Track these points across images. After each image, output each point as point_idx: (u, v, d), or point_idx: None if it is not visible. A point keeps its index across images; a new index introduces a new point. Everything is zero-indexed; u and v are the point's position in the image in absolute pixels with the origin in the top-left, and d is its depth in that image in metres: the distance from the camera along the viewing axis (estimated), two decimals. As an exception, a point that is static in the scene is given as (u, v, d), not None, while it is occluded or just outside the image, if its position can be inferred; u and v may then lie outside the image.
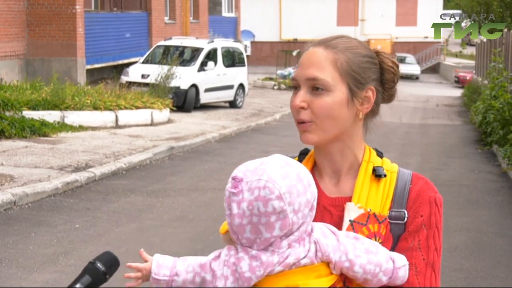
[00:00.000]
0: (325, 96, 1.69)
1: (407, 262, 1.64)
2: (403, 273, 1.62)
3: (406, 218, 1.70)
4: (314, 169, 1.79)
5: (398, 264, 1.61)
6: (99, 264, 1.63)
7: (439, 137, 16.70)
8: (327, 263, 1.58)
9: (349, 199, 1.71)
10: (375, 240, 1.67)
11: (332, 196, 1.74)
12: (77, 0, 18.88)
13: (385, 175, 1.73)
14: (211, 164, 11.52)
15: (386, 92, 1.79)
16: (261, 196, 1.50)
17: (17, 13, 18.53)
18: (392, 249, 1.68)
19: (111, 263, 1.66)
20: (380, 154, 1.80)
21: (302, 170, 1.57)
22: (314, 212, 1.57)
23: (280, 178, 1.51)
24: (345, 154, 1.76)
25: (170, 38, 21.42)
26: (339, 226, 1.66)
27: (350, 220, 1.68)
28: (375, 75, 1.75)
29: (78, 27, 19.02)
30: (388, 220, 1.69)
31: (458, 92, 32.14)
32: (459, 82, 38.54)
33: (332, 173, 1.77)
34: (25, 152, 10.83)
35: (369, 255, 1.58)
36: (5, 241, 6.81)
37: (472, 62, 40.55)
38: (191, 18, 28.52)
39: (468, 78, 35.46)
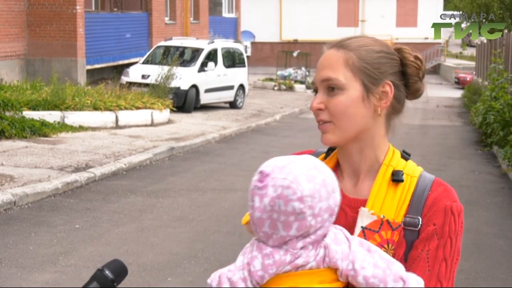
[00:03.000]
0: (339, 95, 1.70)
1: (422, 287, 1.60)
2: None
3: (420, 225, 1.68)
4: (337, 168, 1.80)
5: (409, 286, 1.57)
6: (107, 272, 1.63)
7: (439, 138, 16.70)
8: (334, 270, 1.57)
9: (365, 201, 1.70)
10: (388, 246, 1.65)
11: (349, 196, 1.74)
12: (77, 0, 18.88)
13: (402, 180, 1.71)
14: (211, 165, 11.52)
15: (411, 87, 1.77)
16: (284, 195, 1.51)
17: (17, 13, 18.53)
18: (405, 255, 1.67)
19: (120, 271, 1.65)
20: (406, 156, 1.78)
21: (329, 176, 1.57)
22: (334, 218, 1.58)
23: (305, 181, 1.52)
24: (365, 154, 1.75)
25: (171, 39, 21.42)
26: (352, 228, 1.67)
27: (362, 227, 1.67)
28: (392, 69, 1.74)
29: (78, 27, 19.02)
30: (403, 226, 1.68)
31: (458, 93, 32.13)
32: (459, 83, 38.53)
33: (352, 173, 1.77)
34: (25, 152, 10.83)
35: (376, 270, 1.56)
36: (5, 241, 6.81)
37: (472, 63, 40.57)
38: (191, 18, 28.52)
39: (468, 79, 35.47)
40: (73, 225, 7.48)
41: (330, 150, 1.83)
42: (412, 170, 1.75)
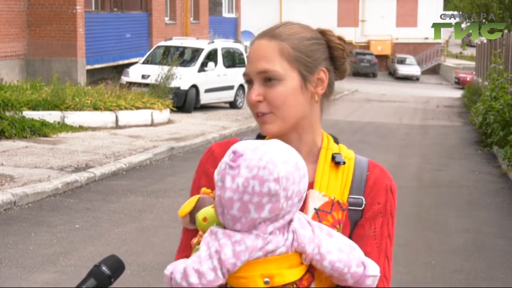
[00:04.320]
0: (278, 85, 1.71)
1: (379, 274, 1.63)
2: (370, 283, 1.61)
3: (364, 205, 1.73)
4: None
5: (369, 272, 1.61)
6: (104, 268, 1.62)
7: (439, 138, 16.71)
8: (299, 253, 1.58)
9: (311, 184, 1.71)
10: (339, 227, 1.68)
11: None
12: (77, 0, 18.89)
13: (344, 162, 1.75)
14: (211, 165, 11.51)
15: (338, 69, 1.80)
16: (259, 175, 1.50)
17: (17, 13, 18.54)
18: (350, 235, 1.70)
19: (117, 266, 1.65)
20: (336, 140, 1.82)
21: (300, 160, 1.57)
22: (301, 204, 1.58)
23: (280, 162, 1.52)
24: (303, 140, 1.77)
25: (171, 39, 21.42)
26: (302, 211, 1.66)
27: (315, 209, 1.68)
28: (324, 55, 1.76)
29: (78, 27, 19.03)
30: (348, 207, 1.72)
31: (458, 93, 32.16)
32: (459, 83, 38.59)
33: None
34: (25, 152, 10.83)
35: (341, 254, 1.58)
36: (5, 241, 6.81)
37: (472, 63, 40.59)
38: (191, 18, 28.53)
39: (468, 79, 35.53)
40: (73, 225, 7.48)
41: (259, 138, 1.82)
42: (348, 153, 1.80)
